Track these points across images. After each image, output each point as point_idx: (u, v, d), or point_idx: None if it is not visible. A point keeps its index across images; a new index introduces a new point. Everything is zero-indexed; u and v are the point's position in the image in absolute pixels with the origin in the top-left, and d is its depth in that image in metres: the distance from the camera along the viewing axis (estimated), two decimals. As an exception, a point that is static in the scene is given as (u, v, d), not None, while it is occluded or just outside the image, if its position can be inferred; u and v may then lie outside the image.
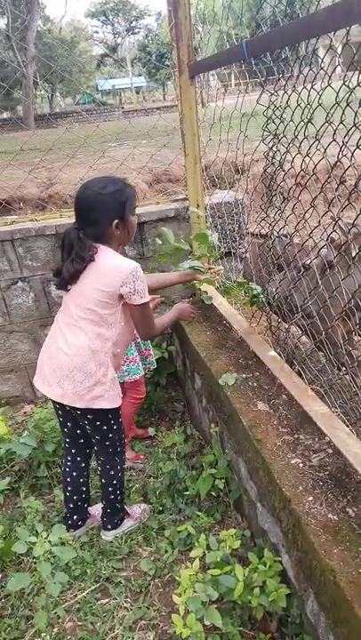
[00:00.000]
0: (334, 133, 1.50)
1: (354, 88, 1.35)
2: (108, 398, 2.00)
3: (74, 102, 39.64)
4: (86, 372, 1.94)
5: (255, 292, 2.53)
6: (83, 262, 1.87)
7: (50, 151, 5.39)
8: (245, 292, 2.94)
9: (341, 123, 1.46)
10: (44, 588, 1.76)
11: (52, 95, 35.81)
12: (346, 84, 1.35)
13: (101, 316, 1.92)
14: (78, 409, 2.02)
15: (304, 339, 2.43)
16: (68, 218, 3.20)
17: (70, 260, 1.87)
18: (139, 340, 2.83)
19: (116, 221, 1.89)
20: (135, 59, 42.05)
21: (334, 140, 1.52)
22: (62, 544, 1.91)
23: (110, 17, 39.70)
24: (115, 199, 1.88)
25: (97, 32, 41.67)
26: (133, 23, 38.19)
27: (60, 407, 2.13)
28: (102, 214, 1.89)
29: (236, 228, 3.22)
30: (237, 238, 3.11)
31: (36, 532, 1.78)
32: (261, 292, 2.51)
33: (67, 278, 1.91)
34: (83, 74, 34.85)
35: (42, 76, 28.21)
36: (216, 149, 2.78)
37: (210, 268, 2.63)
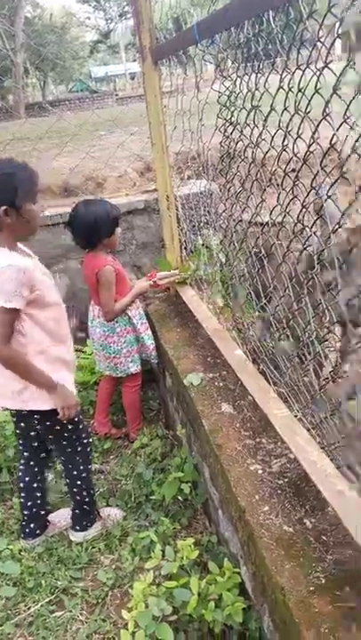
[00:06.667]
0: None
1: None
2: (41, 399, 1.89)
3: (67, 90, 38.96)
4: (9, 375, 1.81)
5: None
6: None
7: (40, 140, 5.25)
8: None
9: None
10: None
11: (44, 83, 35.17)
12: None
13: None
14: (24, 410, 1.93)
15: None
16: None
17: None
18: (141, 333, 2.75)
19: (4, 208, 1.68)
20: (129, 44, 41.30)
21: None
22: (12, 557, 1.83)
23: (102, 2, 38.89)
24: (4, 183, 1.67)
25: (89, 18, 40.80)
26: (126, 8, 37.42)
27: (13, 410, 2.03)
28: None
29: (210, 219, 3.10)
30: (210, 230, 2.99)
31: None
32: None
33: None
34: (75, 61, 34.17)
35: (32, 64, 27.66)
36: (211, 134, 2.57)
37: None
